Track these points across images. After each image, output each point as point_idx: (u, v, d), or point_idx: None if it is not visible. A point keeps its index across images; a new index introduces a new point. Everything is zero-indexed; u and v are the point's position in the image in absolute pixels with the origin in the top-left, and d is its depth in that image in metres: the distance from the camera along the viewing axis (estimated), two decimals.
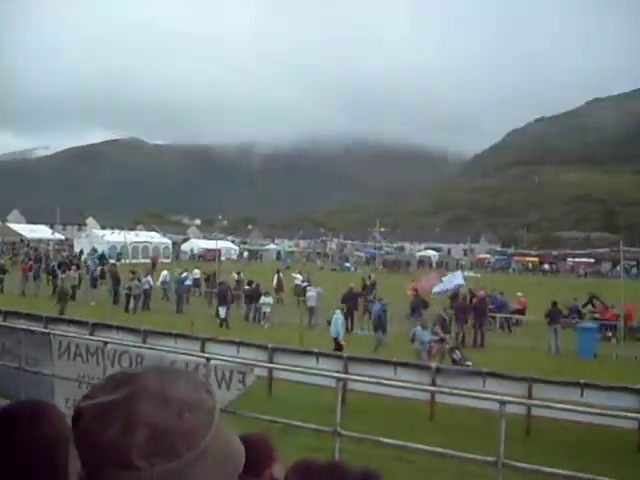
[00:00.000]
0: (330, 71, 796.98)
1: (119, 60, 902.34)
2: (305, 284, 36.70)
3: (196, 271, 39.83)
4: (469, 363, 18.56)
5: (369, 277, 39.08)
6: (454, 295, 30.16)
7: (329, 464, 3.29)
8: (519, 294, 33.71)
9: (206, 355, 10.67)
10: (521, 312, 31.56)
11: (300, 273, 40.59)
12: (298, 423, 9.26)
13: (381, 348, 22.05)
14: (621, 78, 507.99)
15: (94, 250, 64.58)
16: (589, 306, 31.57)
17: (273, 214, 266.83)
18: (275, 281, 37.23)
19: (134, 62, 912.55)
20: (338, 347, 20.82)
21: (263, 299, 30.40)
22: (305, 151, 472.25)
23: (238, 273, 38.54)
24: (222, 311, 29.06)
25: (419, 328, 20.37)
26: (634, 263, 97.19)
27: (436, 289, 29.25)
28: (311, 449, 9.69)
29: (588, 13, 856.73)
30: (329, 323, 28.99)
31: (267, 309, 30.09)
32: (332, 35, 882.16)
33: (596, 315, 29.87)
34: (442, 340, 21.45)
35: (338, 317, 22.13)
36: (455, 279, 30.07)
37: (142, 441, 1.10)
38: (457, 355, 19.74)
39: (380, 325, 23.51)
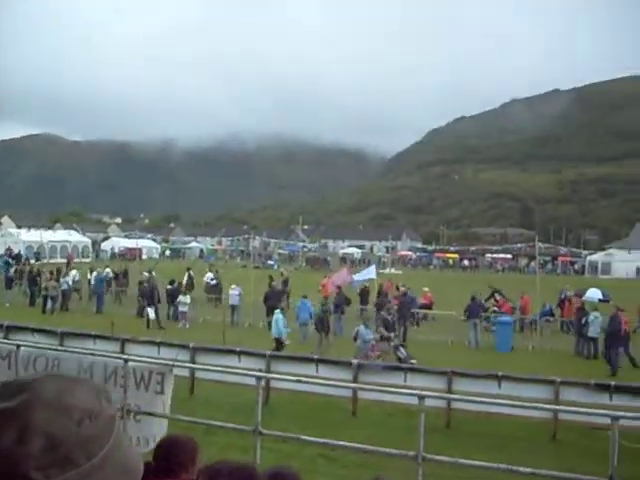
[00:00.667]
0: (250, 67, 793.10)
1: (38, 54, 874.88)
2: (215, 282, 36.49)
3: (107, 270, 38.53)
4: (414, 361, 18.39)
5: (281, 274, 39.03)
6: (363, 290, 31.01)
7: (239, 466, 3.28)
8: (425, 289, 34.07)
9: (124, 356, 10.46)
10: (427, 307, 32.14)
11: (211, 271, 39.91)
12: (219, 423, 9.17)
13: (325, 347, 21.80)
14: (536, 80, 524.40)
15: (9, 250, 62.56)
16: (491, 300, 32.51)
17: (195, 212, 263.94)
18: (185, 279, 36.38)
19: (53, 57, 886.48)
20: (279, 347, 20.53)
21: (181, 298, 29.75)
22: (226, 148, 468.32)
23: (149, 272, 37.55)
24: (151, 311, 28.31)
25: (362, 327, 20.18)
26: (549, 258, 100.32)
27: (353, 282, 29.75)
28: (234, 448, 9.63)
29: (507, 15, 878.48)
30: (269, 324, 28.98)
31: (184, 308, 29.50)
32: (251, 31, 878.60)
33: (495, 309, 30.74)
34: (387, 339, 21.36)
35: (279, 317, 21.67)
36: (369, 273, 30.86)
37: (38, 451, 1.05)
38: (402, 353, 19.58)
39: (322, 325, 23.14)
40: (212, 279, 37.56)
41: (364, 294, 31.66)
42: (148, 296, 29.04)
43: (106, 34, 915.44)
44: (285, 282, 35.30)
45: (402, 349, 19.98)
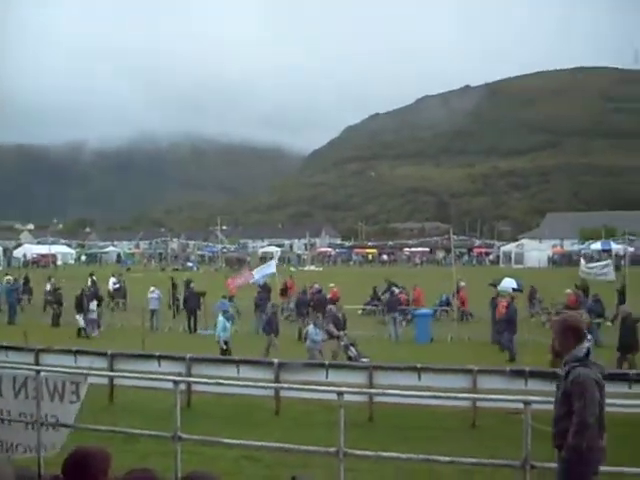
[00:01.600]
0: (159, 65, 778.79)
1: None
2: (117, 286, 35.96)
3: (8, 277, 37.02)
4: (365, 359, 18.04)
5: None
6: (263, 286, 31.21)
7: (139, 475, 3.25)
8: (331, 285, 34.36)
9: (36, 367, 10.16)
10: (333, 302, 32.39)
11: (114, 276, 39.02)
12: (137, 431, 9.00)
13: (273, 350, 21.41)
14: (447, 77, 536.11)
15: None
16: (387, 294, 33.35)
17: (111, 216, 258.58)
18: (89, 284, 35.57)
19: None
20: (223, 352, 19.93)
21: (90, 305, 28.63)
22: (137, 149, 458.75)
23: (49, 278, 36.70)
24: (80, 319, 27.37)
25: (311, 327, 19.84)
26: (464, 250, 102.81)
27: (255, 278, 30.09)
28: (154, 455, 9.48)
29: (416, 13, 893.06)
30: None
31: (93, 315, 28.65)
32: (158, 29, 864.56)
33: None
34: (337, 337, 21.10)
35: (220, 320, 21.02)
36: (269, 268, 31.10)
37: None
38: (352, 352, 19.26)
39: (271, 327, 22.51)
40: (115, 283, 36.85)
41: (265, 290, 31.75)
42: (78, 303, 27.95)
43: (10, 36, 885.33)
44: (188, 283, 34.69)
45: (352, 348, 19.59)
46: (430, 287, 34.72)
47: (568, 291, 30.22)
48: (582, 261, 38.73)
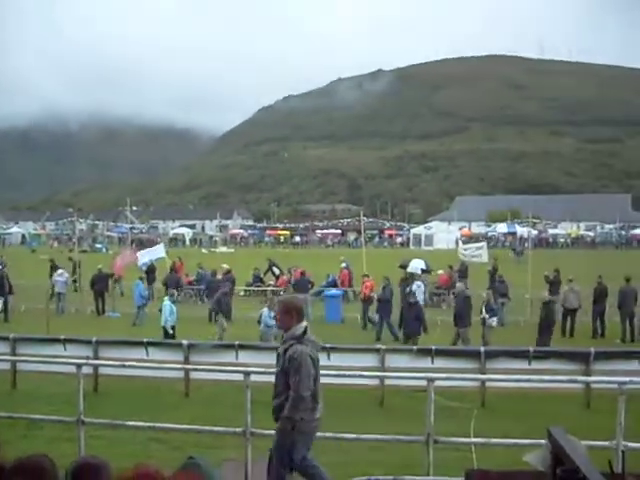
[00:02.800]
0: (67, 41, 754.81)
1: None
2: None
3: None
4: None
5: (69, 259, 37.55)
6: (150, 267, 31.27)
7: (30, 459, 3.18)
8: (224, 265, 34.51)
9: None
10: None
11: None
12: (39, 416, 8.80)
13: (224, 333, 20.86)
14: (360, 61, 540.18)
15: None
16: (269, 273, 33.63)
17: (15, 195, 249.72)
18: None
19: None
20: (168, 335, 19.29)
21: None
22: (44, 127, 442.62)
23: None
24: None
25: (265, 310, 19.20)
26: (375, 232, 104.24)
27: (141, 262, 29.98)
28: (59, 440, 9.29)
29: None
30: (160, 311, 27.75)
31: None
32: (70, 3, 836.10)
33: (270, 282, 31.82)
34: None
35: (166, 304, 20.13)
36: (157, 252, 31.12)
37: None
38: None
39: (222, 309, 21.84)
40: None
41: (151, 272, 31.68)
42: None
43: None
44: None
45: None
46: (322, 268, 34.94)
47: (440, 272, 31.32)
48: (460, 243, 39.73)
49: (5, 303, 26.53)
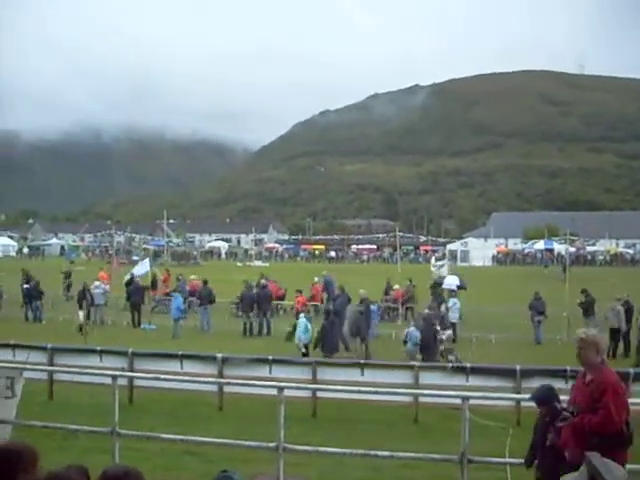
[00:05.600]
0: (100, 55, 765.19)
1: None
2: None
3: None
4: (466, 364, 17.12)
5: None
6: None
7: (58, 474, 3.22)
8: (192, 277, 34.72)
9: None
10: (192, 294, 32.20)
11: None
12: (74, 427, 8.88)
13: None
14: (397, 76, 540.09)
15: None
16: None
17: (55, 207, 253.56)
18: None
19: None
20: (304, 353, 18.77)
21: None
22: (75, 140, 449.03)
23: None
24: (81, 314, 25.59)
25: (412, 329, 18.75)
26: (411, 248, 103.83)
27: (133, 273, 31.05)
28: (94, 451, 9.35)
29: (367, 12, 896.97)
30: (294, 328, 27.84)
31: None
32: (103, 16, 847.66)
33: None
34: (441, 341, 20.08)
35: (301, 321, 19.52)
36: (143, 267, 31.75)
37: None
38: (452, 357, 18.35)
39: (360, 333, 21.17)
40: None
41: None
42: (79, 298, 26.86)
43: None
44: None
45: (453, 353, 18.74)
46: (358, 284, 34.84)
47: (396, 287, 31.09)
48: (432, 259, 39.80)
49: (88, 315, 26.37)
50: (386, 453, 7.22)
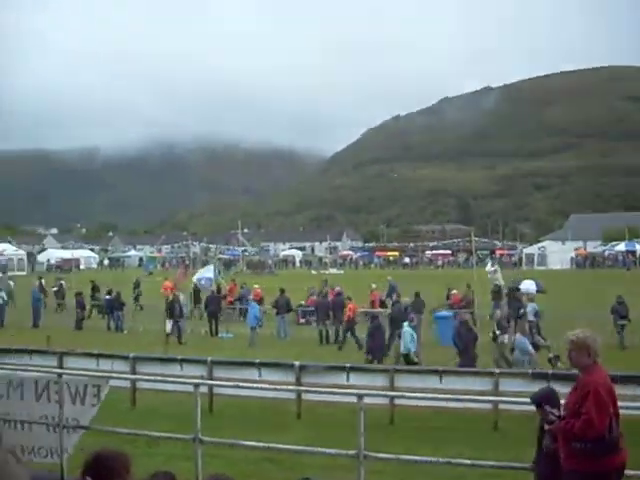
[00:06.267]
0: (173, 70, 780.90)
1: None
2: (56, 289, 36.78)
3: (37, 282, 38.11)
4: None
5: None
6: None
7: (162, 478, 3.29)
8: (255, 286, 35.20)
9: (58, 371, 10.25)
10: (259, 302, 32.45)
11: (58, 279, 40.26)
12: (158, 434, 9.05)
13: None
14: (471, 76, 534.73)
15: None
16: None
17: (133, 219, 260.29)
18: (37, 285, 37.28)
19: None
20: (409, 363, 18.07)
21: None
22: (154, 153, 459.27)
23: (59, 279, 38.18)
24: (168, 325, 26.45)
25: (519, 336, 18.20)
26: (486, 252, 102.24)
27: (198, 278, 32.60)
28: (177, 458, 9.54)
29: (434, 14, 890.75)
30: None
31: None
32: (174, 33, 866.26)
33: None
34: (547, 347, 20.10)
35: (406, 330, 18.86)
36: (207, 272, 33.51)
37: None
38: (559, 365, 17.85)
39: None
40: (54, 287, 37.40)
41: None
42: (167, 308, 27.32)
43: (18, 37, 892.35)
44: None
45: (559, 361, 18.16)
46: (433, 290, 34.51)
47: (454, 292, 30.71)
48: (488, 265, 38.93)
49: (178, 326, 26.86)
50: (468, 462, 7.11)
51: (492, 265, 33.85)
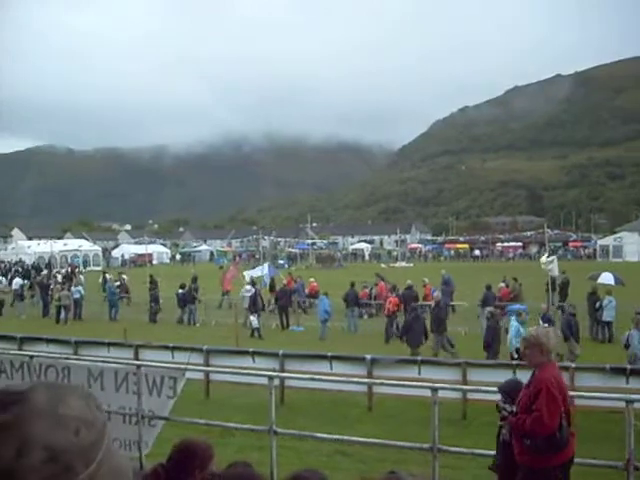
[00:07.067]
0: (239, 68, 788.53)
1: (25, 65, 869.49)
2: (118, 283, 37.12)
3: (110, 276, 39.29)
4: None
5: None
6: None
7: (243, 475, 3.34)
8: (311, 279, 35.51)
9: (136, 362, 10.48)
10: (313, 296, 32.88)
11: (120, 273, 40.96)
12: (233, 425, 9.18)
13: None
14: (537, 66, 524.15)
15: (20, 261, 63.17)
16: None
17: (204, 215, 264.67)
18: (100, 280, 39.66)
19: (41, 67, 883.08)
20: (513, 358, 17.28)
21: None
22: (218, 150, 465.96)
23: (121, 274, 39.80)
24: (254, 319, 26.69)
25: (634, 332, 17.72)
26: (559, 244, 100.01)
27: (254, 273, 32.59)
28: (251, 449, 9.65)
29: (503, 3, 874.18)
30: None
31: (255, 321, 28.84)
32: (238, 31, 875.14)
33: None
34: None
35: (513, 324, 18.12)
36: (260, 270, 33.27)
37: (38, 463, 1.05)
38: None
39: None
40: (116, 281, 37.95)
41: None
42: (251, 304, 27.61)
43: (91, 42, 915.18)
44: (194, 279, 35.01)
45: None
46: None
47: (501, 285, 30.08)
48: (543, 257, 37.83)
49: (258, 319, 26.98)
50: None
51: (548, 256, 33.32)
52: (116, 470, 1.17)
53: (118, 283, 36.94)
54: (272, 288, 33.26)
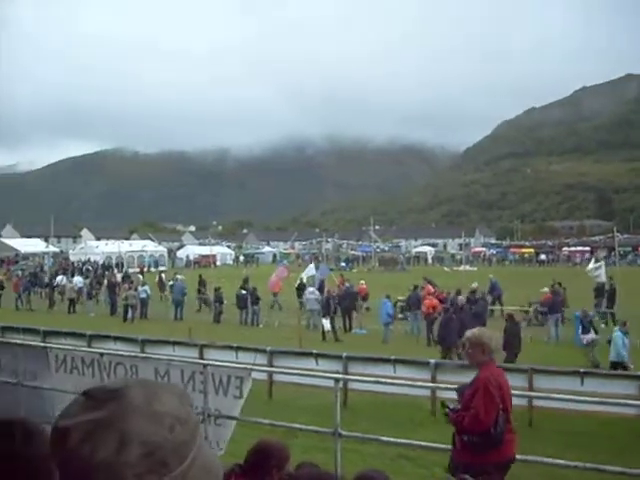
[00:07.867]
0: (301, 70, 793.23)
1: (96, 73, 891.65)
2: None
3: (179, 276, 39.78)
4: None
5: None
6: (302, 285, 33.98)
7: (319, 475, 3.36)
8: (361, 282, 35.02)
9: (203, 362, 10.63)
10: (363, 298, 32.55)
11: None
12: (299, 426, 9.23)
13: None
14: (610, 64, 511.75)
15: (89, 261, 64.86)
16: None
17: (267, 217, 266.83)
18: (157, 280, 40.65)
19: (109, 73, 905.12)
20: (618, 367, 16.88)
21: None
22: (281, 153, 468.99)
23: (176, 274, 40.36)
24: (326, 322, 26.67)
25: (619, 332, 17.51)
26: (629, 249, 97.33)
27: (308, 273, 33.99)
28: (315, 450, 9.68)
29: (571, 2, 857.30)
30: (609, 343, 28.26)
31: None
32: (301, 33, 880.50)
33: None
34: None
35: (617, 335, 17.20)
36: (310, 270, 34.74)
37: (136, 459, 1.09)
38: None
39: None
40: (170, 281, 38.81)
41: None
42: (324, 306, 27.75)
43: (155, 49, 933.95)
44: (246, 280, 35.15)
45: None
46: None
47: (544, 289, 29.15)
48: (591, 264, 36.65)
49: (332, 323, 26.98)
50: (618, 469, 6.77)
51: (595, 262, 32.71)
52: (207, 467, 1.20)
53: (171, 283, 37.61)
54: (321, 289, 33.29)
